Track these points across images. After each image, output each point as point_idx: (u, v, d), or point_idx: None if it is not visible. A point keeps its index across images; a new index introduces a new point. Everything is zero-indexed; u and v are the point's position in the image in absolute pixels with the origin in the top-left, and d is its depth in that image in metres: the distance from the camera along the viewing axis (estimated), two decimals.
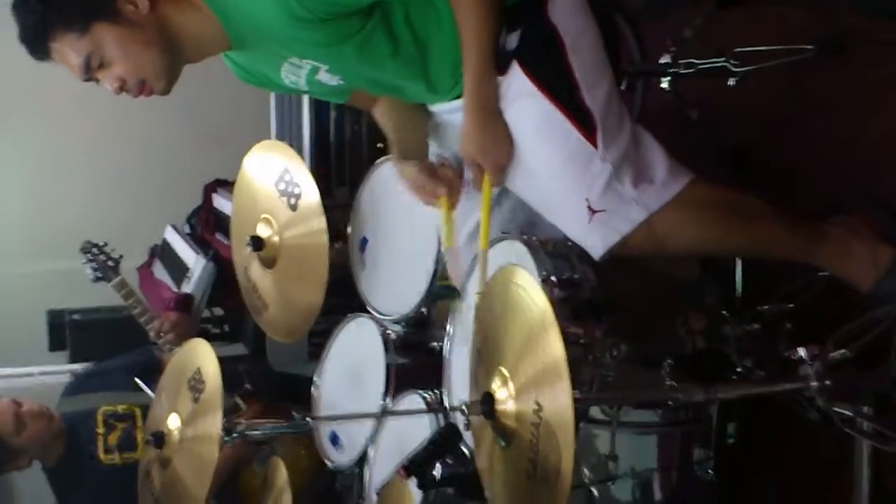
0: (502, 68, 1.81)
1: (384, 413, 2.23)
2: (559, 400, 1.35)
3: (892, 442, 1.81)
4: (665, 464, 2.00)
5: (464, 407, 1.52)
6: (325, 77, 1.89)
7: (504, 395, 1.48)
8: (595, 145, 1.77)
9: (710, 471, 1.98)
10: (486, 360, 1.57)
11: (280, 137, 3.89)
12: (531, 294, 1.45)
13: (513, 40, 1.80)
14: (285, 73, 1.91)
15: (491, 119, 1.82)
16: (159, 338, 3.14)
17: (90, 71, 1.75)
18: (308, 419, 2.30)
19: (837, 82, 2.27)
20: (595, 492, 1.88)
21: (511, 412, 1.46)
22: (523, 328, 1.45)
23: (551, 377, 1.37)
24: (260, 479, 2.46)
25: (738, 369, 1.97)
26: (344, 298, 2.56)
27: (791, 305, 2.04)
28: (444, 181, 2.09)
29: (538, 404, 1.39)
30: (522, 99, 1.79)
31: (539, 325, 1.41)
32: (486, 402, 1.48)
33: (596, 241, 1.79)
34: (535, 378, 1.42)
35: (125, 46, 1.73)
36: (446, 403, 2.04)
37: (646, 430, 2.00)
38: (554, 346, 1.37)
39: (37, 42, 1.74)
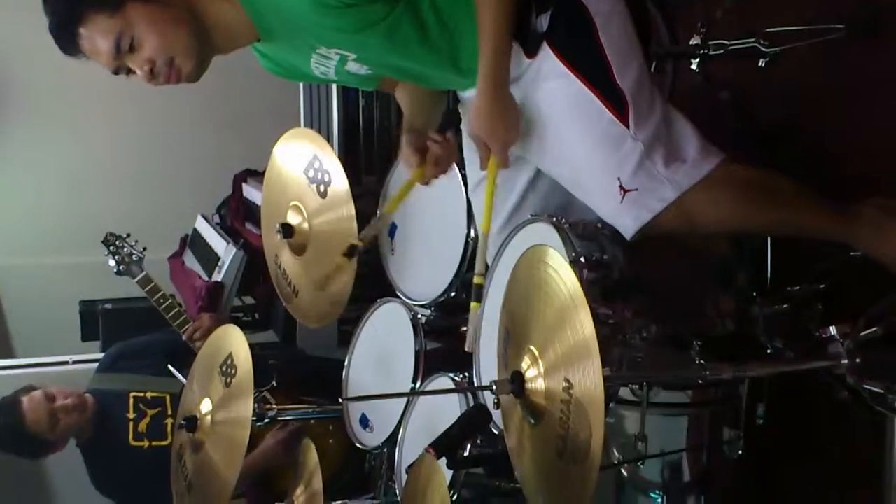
0: (533, 50, 1.81)
1: (415, 392, 2.24)
2: (589, 376, 1.35)
3: None
4: (694, 444, 2.00)
5: (493, 385, 1.52)
6: (354, 67, 1.90)
7: (533, 373, 1.48)
8: (627, 125, 1.77)
9: (739, 451, 1.98)
10: (515, 339, 1.58)
11: (309, 126, 3.90)
12: (560, 273, 1.45)
13: (543, 22, 1.80)
14: (315, 63, 1.92)
15: (503, 98, 1.81)
16: (191, 341, 3.15)
17: (120, 55, 1.75)
18: (340, 400, 2.31)
19: (870, 62, 2.25)
20: (624, 472, 1.89)
21: (540, 390, 1.46)
22: (553, 307, 1.46)
23: (581, 355, 1.38)
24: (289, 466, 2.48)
25: (769, 350, 1.96)
26: (373, 287, 2.58)
27: (822, 286, 2.03)
28: (430, 157, 2.04)
29: (568, 381, 1.39)
30: (553, 80, 1.80)
31: (569, 303, 1.41)
32: (516, 381, 1.49)
33: (627, 220, 1.79)
34: (565, 356, 1.42)
35: (155, 23, 1.74)
36: (476, 384, 2.04)
37: (675, 410, 2.00)
38: (584, 324, 1.37)
39: (66, 28, 1.74)
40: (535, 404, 1.48)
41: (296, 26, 1.77)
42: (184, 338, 3.17)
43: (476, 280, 1.92)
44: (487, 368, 2.01)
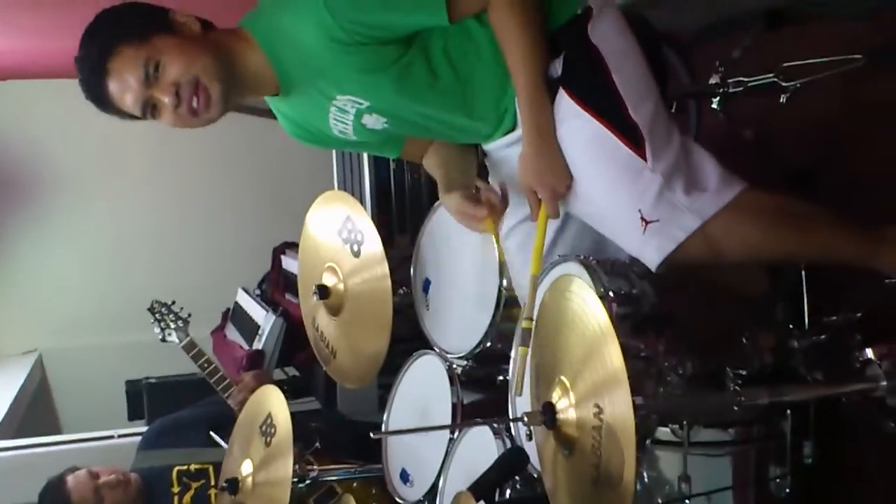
0: (549, 96, 1.84)
1: (455, 425, 2.23)
2: (619, 399, 1.35)
3: None
4: (740, 483, 1.96)
5: (525, 417, 1.52)
6: (370, 121, 1.94)
7: (565, 404, 1.48)
8: (644, 158, 1.78)
9: (787, 489, 1.93)
10: (545, 373, 1.57)
11: (342, 189, 3.96)
12: (588, 304, 1.45)
13: (557, 67, 1.84)
14: (333, 120, 1.96)
15: (548, 146, 1.84)
16: (239, 407, 3.17)
17: (147, 82, 1.79)
18: (371, 435, 2.30)
19: (891, 90, 2.25)
20: None
21: (572, 420, 1.46)
22: (582, 338, 1.46)
23: (611, 382, 1.37)
24: None
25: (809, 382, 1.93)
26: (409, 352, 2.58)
27: (858, 315, 2.00)
28: (486, 205, 2.13)
29: (598, 407, 1.39)
30: (570, 120, 1.82)
31: (597, 333, 1.41)
32: (547, 412, 1.48)
33: (651, 252, 1.78)
34: (595, 385, 1.41)
35: (180, 48, 1.81)
36: (511, 425, 2.03)
37: (719, 450, 1.96)
38: (613, 354, 1.37)
39: (96, 70, 1.80)
40: (567, 435, 1.47)
41: (309, 65, 1.82)
42: (232, 404, 3.19)
43: (524, 324, 1.90)
44: (523, 408, 2.00)
